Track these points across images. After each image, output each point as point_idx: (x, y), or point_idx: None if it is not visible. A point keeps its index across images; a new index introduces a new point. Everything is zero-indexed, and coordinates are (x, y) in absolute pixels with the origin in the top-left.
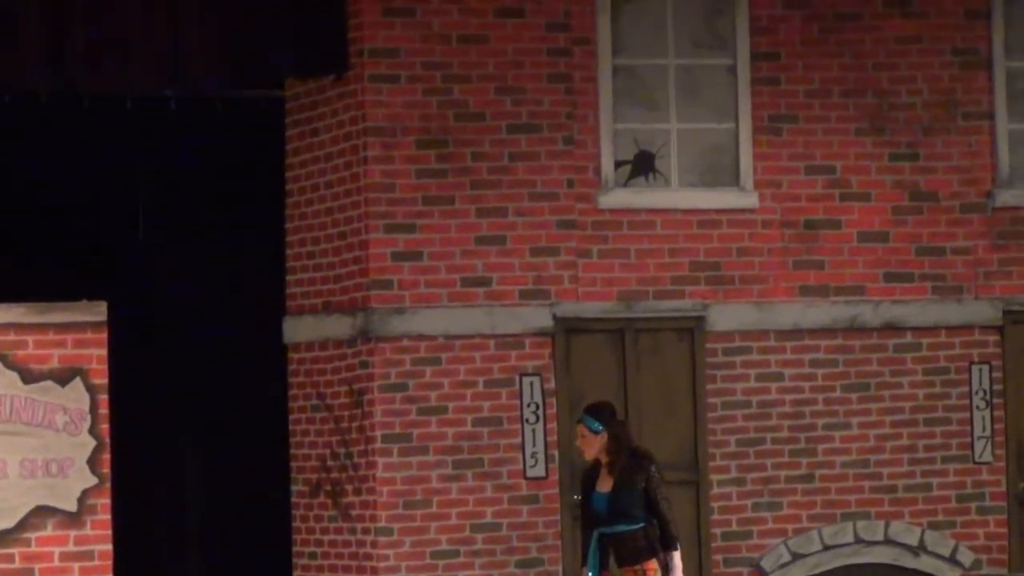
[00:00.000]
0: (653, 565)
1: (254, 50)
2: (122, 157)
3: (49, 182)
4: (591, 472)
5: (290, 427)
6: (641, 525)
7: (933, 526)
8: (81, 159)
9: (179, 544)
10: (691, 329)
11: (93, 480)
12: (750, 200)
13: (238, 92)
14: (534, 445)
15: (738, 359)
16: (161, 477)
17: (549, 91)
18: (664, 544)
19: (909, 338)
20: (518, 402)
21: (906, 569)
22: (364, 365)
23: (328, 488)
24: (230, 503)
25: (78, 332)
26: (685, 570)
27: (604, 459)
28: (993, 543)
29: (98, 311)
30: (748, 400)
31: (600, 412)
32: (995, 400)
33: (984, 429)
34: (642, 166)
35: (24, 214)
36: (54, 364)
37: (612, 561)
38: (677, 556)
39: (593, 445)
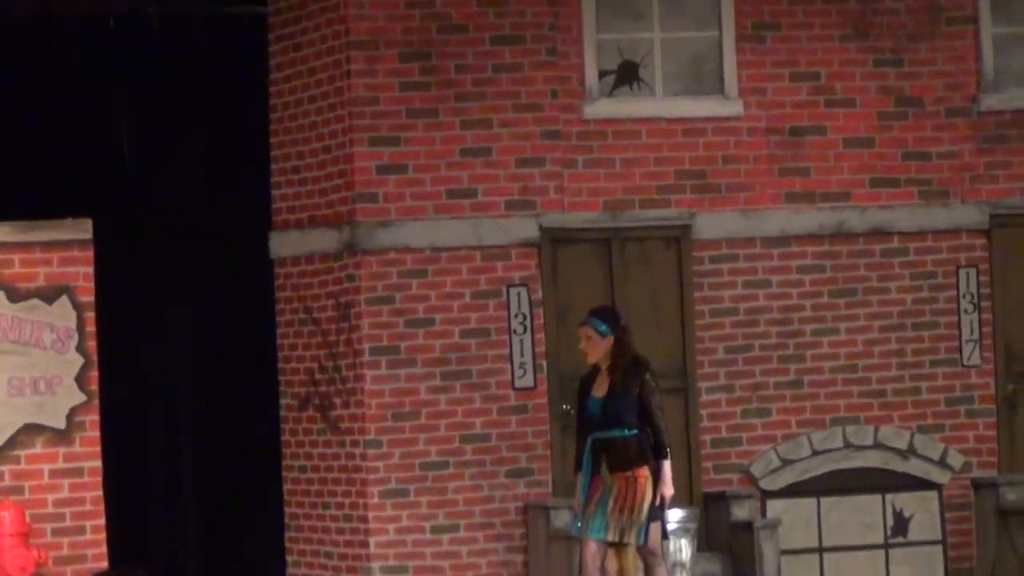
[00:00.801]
0: (644, 472)
1: None
2: (105, 76)
3: (34, 103)
4: (587, 379)
5: (278, 341)
6: (635, 432)
7: (922, 430)
8: (65, 79)
9: (170, 460)
10: (677, 238)
11: (81, 397)
12: (735, 108)
13: (221, 8)
14: (522, 355)
15: (725, 267)
16: (150, 394)
17: (532, 2)
18: (655, 452)
19: (896, 243)
20: (505, 313)
21: (896, 473)
22: (351, 278)
23: (317, 401)
24: (220, 418)
25: (64, 250)
26: (675, 478)
27: (605, 363)
28: (983, 445)
29: (84, 229)
30: (736, 307)
31: (607, 315)
32: (983, 303)
33: (972, 332)
34: (626, 75)
35: (9, 135)
36: (40, 282)
37: (604, 467)
38: (667, 465)
39: (599, 348)
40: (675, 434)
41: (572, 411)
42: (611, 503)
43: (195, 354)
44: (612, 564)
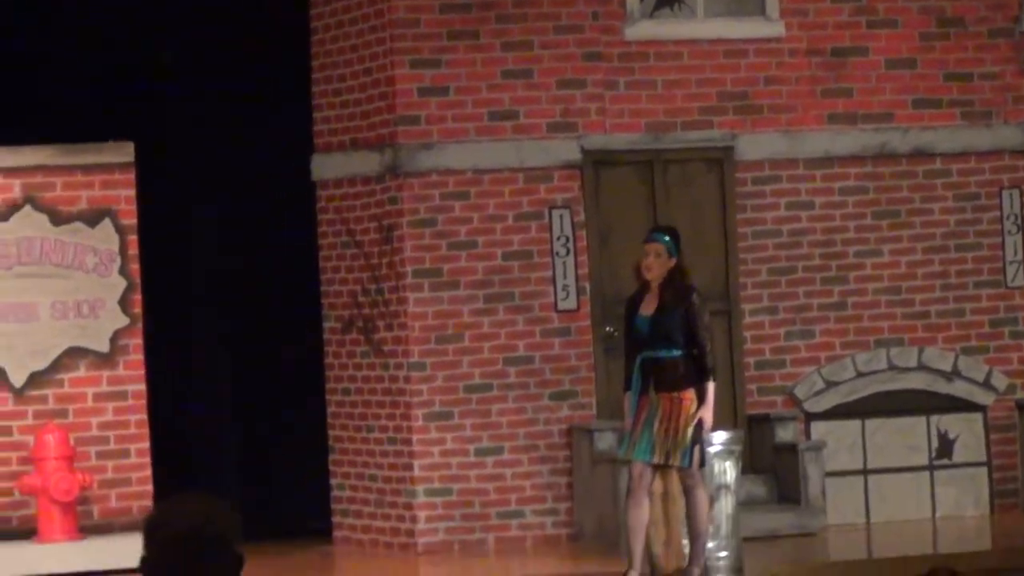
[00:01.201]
0: (690, 395)
1: None
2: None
3: (76, 24)
4: (634, 298)
5: (320, 264)
6: (681, 353)
7: (966, 351)
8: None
9: (212, 382)
10: (720, 159)
11: (125, 320)
12: (776, 29)
13: None
14: (565, 278)
15: (767, 188)
16: (192, 317)
17: None
18: (700, 375)
19: (939, 164)
20: (548, 235)
21: (940, 395)
22: (393, 201)
23: (360, 324)
24: (263, 341)
25: (106, 173)
26: (720, 399)
27: (657, 282)
28: None
29: (126, 152)
30: (779, 229)
31: (676, 235)
32: None
33: (1016, 253)
34: None
35: (50, 56)
36: (82, 205)
37: (651, 387)
38: (711, 387)
39: (664, 266)
40: (718, 357)
41: (616, 333)
42: (656, 424)
43: (238, 277)
44: (657, 486)
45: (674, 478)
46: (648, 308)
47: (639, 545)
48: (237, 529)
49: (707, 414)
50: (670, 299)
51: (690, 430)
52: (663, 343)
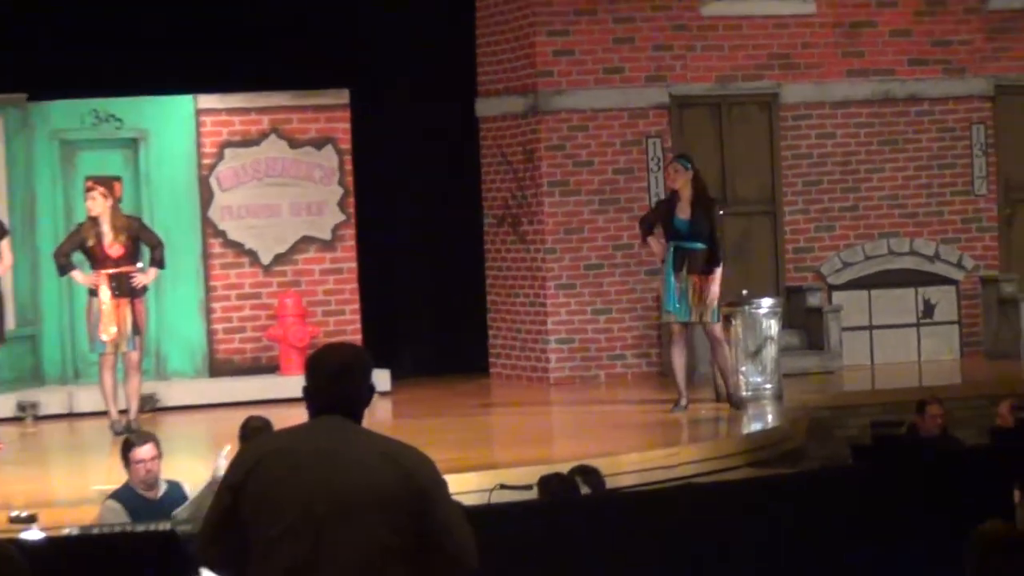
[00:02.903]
0: (715, 275)
1: None
2: None
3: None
4: (666, 202)
5: (481, 177)
6: (706, 246)
7: (944, 242)
8: None
9: (403, 261)
10: (768, 103)
11: (342, 217)
12: (810, 8)
13: None
14: (656, 187)
15: (803, 123)
16: (389, 214)
17: None
18: (715, 261)
19: (926, 106)
20: (644, 157)
21: (925, 272)
22: (534, 132)
23: (509, 220)
24: (440, 232)
25: (329, 111)
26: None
27: (686, 192)
28: (988, 253)
29: (342, 96)
30: (810, 153)
31: (687, 157)
32: (988, 150)
33: (980, 171)
34: None
35: (286, 19)
36: (312, 134)
37: (684, 270)
38: (719, 270)
39: (683, 177)
40: (766, 245)
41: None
42: (691, 295)
43: (422, 186)
44: (681, 337)
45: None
46: (684, 213)
47: (682, 380)
48: (370, 368)
49: (716, 288)
50: (700, 207)
51: (717, 299)
52: (697, 238)
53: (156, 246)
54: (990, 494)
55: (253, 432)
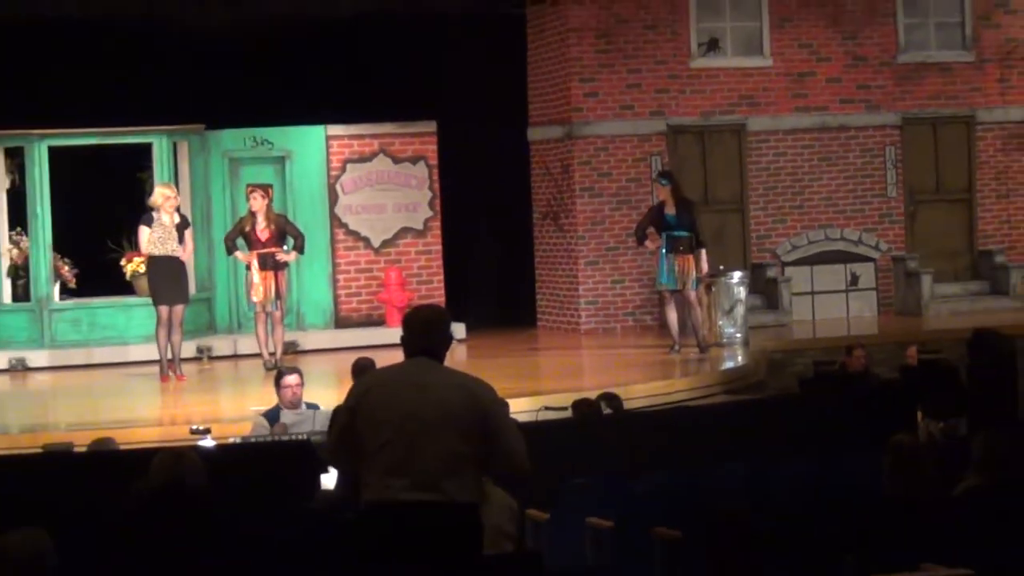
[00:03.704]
0: (700, 255)
1: None
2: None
3: (381, 35)
4: (658, 207)
5: (532, 184)
6: (688, 233)
7: (866, 230)
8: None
9: (476, 244)
10: (738, 131)
11: (431, 213)
12: (768, 61)
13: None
14: (656, 190)
15: (763, 145)
16: (466, 212)
17: (661, 9)
18: (698, 244)
19: (853, 133)
20: (649, 169)
21: (852, 253)
22: (569, 151)
23: (551, 215)
24: (500, 224)
25: (421, 136)
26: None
27: (670, 199)
28: (897, 239)
29: (431, 125)
30: (768, 166)
31: (666, 175)
32: (898, 164)
33: (892, 179)
34: (711, 45)
35: (388, 67)
36: (409, 153)
37: (673, 252)
38: (704, 252)
39: (664, 191)
40: (736, 233)
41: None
42: (676, 269)
43: (487, 192)
44: (671, 300)
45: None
46: (671, 211)
47: (675, 331)
48: (449, 323)
49: (704, 264)
50: (682, 207)
51: (695, 272)
52: (681, 228)
53: (298, 236)
54: (900, 415)
55: (360, 369)
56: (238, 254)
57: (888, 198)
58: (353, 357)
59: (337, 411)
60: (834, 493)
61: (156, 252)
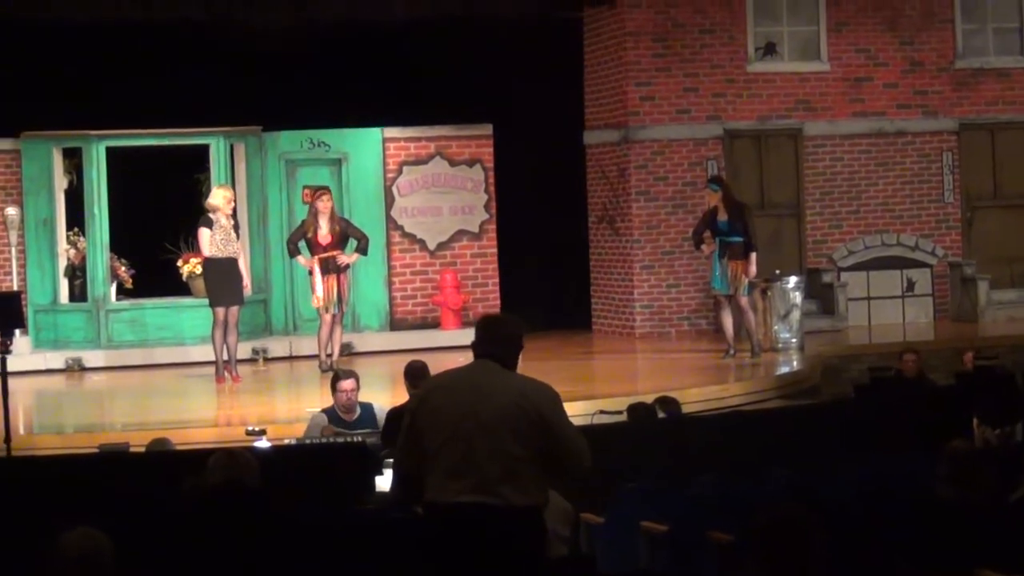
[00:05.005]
0: (746, 261)
1: None
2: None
3: (437, 38)
4: (712, 212)
5: (587, 187)
6: (742, 239)
7: (923, 236)
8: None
9: (530, 251)
10: (795, 135)
11: (486, 216)
12: (826, 67)
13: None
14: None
15: (820, 150)
16: (521, 214)
17: (720, 14)
18: (750, 249)
19: (909, 138)
20: (705, 174)
21: (908, 258)
22: (625, 155)
23: (607, 218)
24: (556, 228)
25: (478, 140)
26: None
27: (721, 205)
28: (954, 245)
29: (487, 128)
30: (825, 171)
31: (716, 180)
32: (955, 170)
33: (949, 185)
34: (768, 49)
35: (447, 70)
36: (466, 156)
37: (725, 257)
38: (754, 256)
39: (715, 197)
40: (792, 238)
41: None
42: (730, 275)
43: (543, 195)
44: (726, 305)
45: (736, 303)
46: (723, 216)
47: (730, 335)
48: (519, 333)
49: (752, 269)
50: (735, 212)
51: (747, 278)
52: (734, 234)
53: (361, 238)
54: (955, 421)
55: (412, 371)
56: (300, 259)
57: (945, 203)
58: (408, 359)
59: (393, 413)
60: (888, 498)
61: (219, 254)
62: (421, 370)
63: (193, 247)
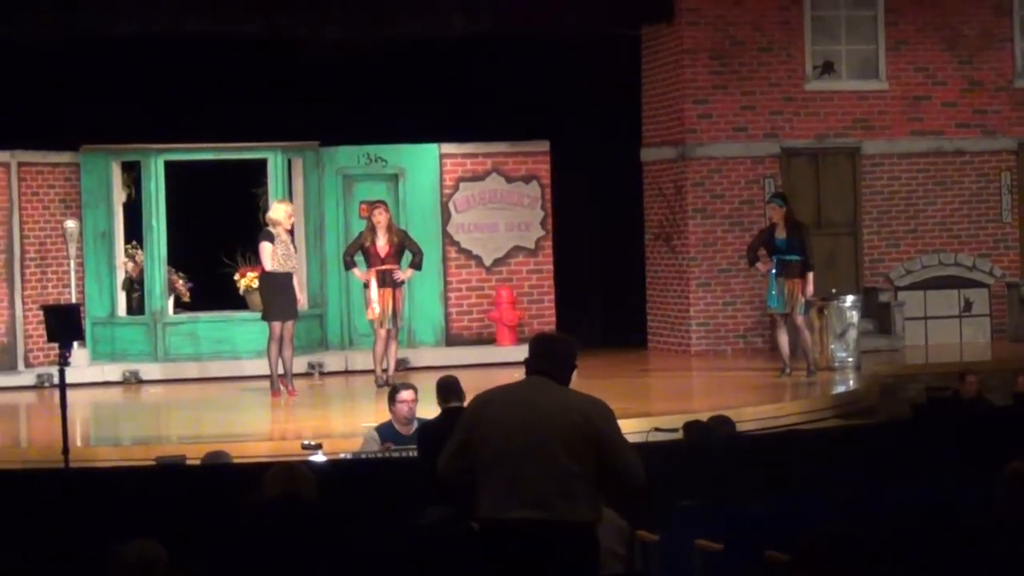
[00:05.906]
0: (803, 280)
1: None
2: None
3: (494, 55)
4: (769, 230)
5: (644, 204)
6: (799, 258)
7: (980, 255)
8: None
9: (586, 268)
10: (852, 154)
11: (542, 232)
12: (883, 85)
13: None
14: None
15: (877, 169)
16: (577, 233)
17: (775, 33)
18: (807, 268)
19: (968, 158)
20: (762, 192)
21: (965, 278)
22: (682, 172)
23: (664, 236)
24: (612, 245)
25: (534, 156)
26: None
27: (782, 221)
28: (1012, 265)
29: (544, 145)
30: (883, 190)
31: (781, 196)
32: (1013, 190)
33: (1007, 205)
34: (826, 68)
35: (504, 88)
36: (522, 172)
37: (783, 276)
38: (811, 275)
39: (780, 212)
40: (849, 257)
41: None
42: (786, 293)
43: (600, 212)
44: (781, 324)
45: (793, 322)
46: (781, 234)
47: (786, 354)
48: (573, 352)
49: (809, 288)
50: (793, 229)
51: (803, 297)
52: (792, 252)
53: (417, 253)
54: (1013, 442)
55: (443, 387)
56: (356, 271)
57: (1003, 223)
58: (463, 375)
59: (425, 430)
60: (946, 520)
61: (279, 269)
62: (452, 385)
63: (251, 261)
